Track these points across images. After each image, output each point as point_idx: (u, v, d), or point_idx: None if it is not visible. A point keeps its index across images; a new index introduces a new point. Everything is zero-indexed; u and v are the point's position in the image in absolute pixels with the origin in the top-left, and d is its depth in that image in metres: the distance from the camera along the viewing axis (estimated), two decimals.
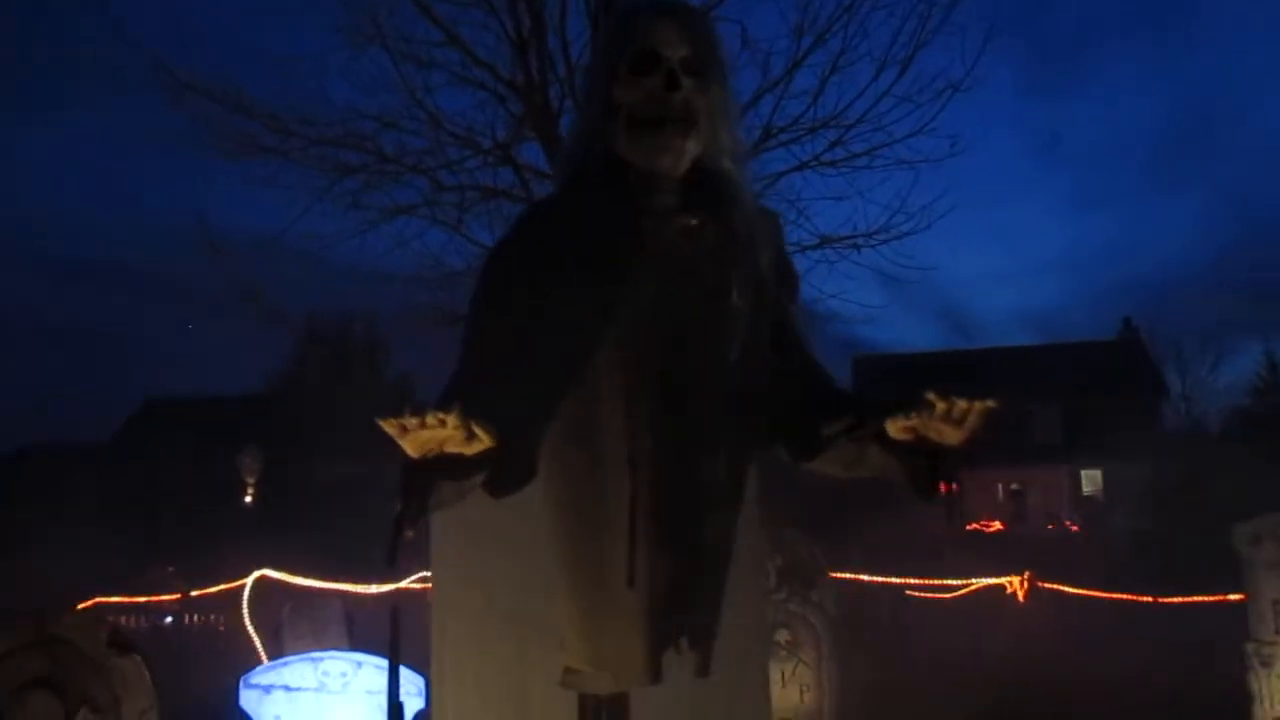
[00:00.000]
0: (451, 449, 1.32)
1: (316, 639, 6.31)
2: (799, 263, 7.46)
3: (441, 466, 1.34)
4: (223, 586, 8.77)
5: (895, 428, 1.45)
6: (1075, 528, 23.24)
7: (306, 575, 7.71)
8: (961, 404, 1.36)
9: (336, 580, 7.87)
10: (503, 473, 1.47)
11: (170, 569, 13.50)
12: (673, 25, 1.67)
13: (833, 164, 7.67)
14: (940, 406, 1.37)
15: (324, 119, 7.27)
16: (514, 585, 2.15)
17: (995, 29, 7.36)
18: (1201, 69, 77.44)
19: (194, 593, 10.11)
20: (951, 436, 1.42)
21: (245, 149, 7.14)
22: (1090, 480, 33.37)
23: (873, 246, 7.70)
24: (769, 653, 2.36)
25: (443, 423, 1.26)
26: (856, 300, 8.21)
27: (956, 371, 28.16)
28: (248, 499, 17.36)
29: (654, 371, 1.63)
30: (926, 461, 1.46)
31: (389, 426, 1.26)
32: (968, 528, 29.70)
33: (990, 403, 1.37)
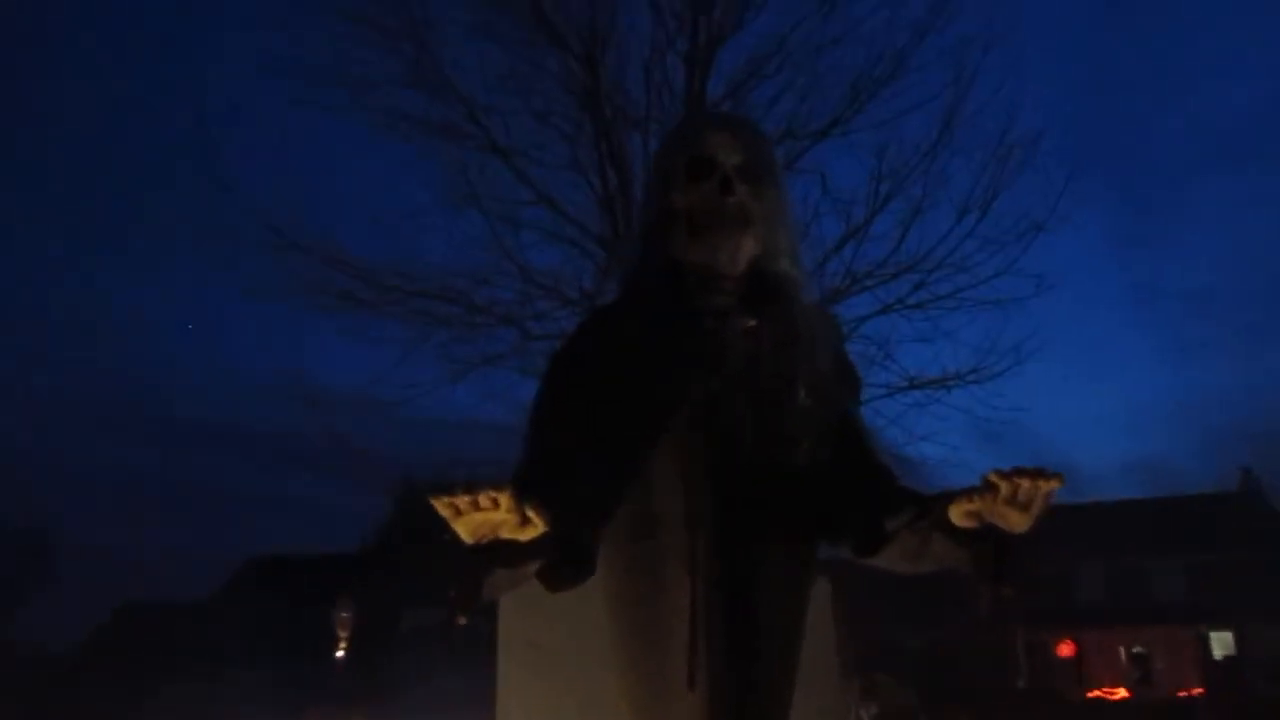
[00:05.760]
0: (505, 534, 1.32)
1: None
2: (889, 407, 7.48)
3: (495, 552, 1.34)
4: None
5: (959, 513, 1.40)
6: (1201, 692, 21.54)
7: None
8: (1025, 484, 1.32)
9: None
10: (559, 563, 1.46)
11: None
12: (727, 134, 1.75)
13: (918, 306, 7.72)
14: (1004, 488, 1.33)
15: (419, 274, 7.64)
16: (578, 706, 2.09)
17: (1078, 169, 7.45)
18: None
19: None
20: (1017, 522, 1.37)
21: (342, 303, 7.51)
22: (1221, 642, 31.06)
23: (963, 386, 7.63)
24: None
25: (495, 503, 1.26)
26: (948, 443, 8.08)
27: (1067, 526, 26.99)
28: (339, 653, 17.38)
29: (712, 469, 1.62)
30: (993, 548, 1.40)
31: (442, 507, 1.27)
32: (1089, 694, 27.84)
33: (1055, 482, 1.31)
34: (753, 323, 1.70)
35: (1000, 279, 7.54)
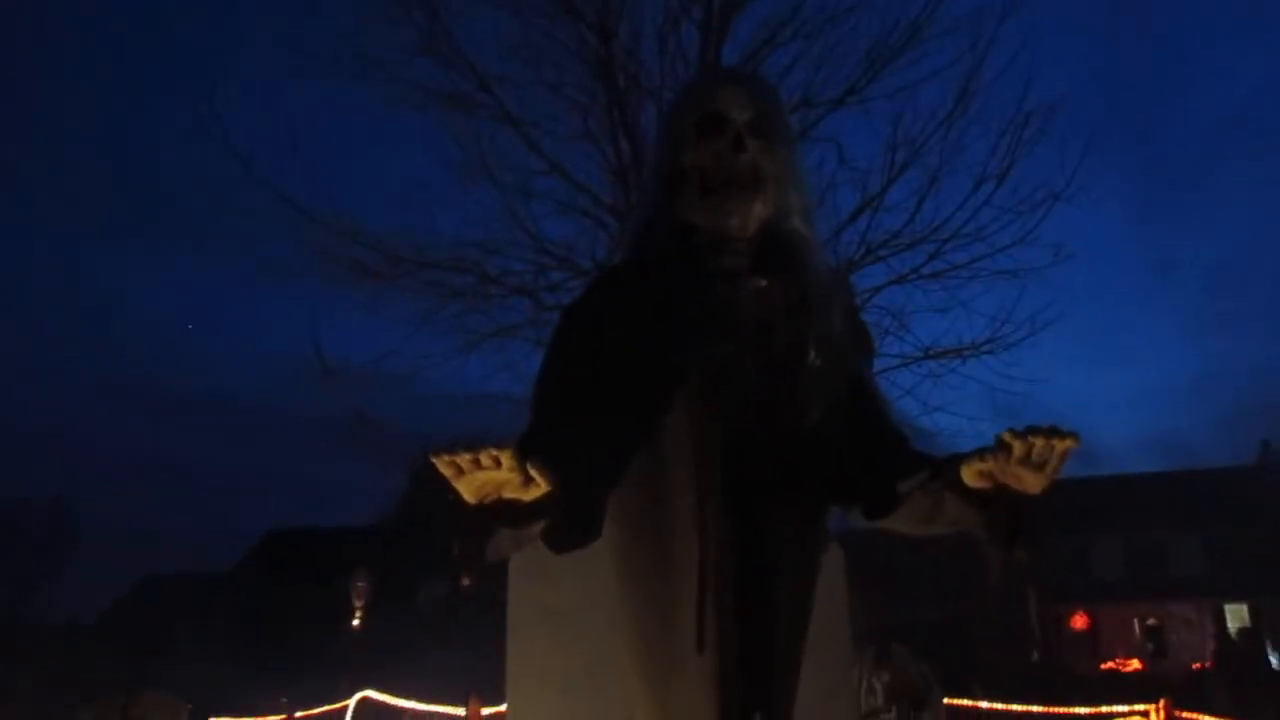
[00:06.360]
0: (509, 494, 1.30)
1: None
2: (904, 378, 7.43)
3: (498, 512, 1.32)
4: (326, 708, 8.76)
5: (971, 473, 1.37)
6: (1212, 664, 21.47)
7: (407, 696, 7.65)
8: (1040, 443, 1.28)
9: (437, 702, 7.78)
10: (564, 525, 1.43)
11: (283, 699, 13.58)
12: (738, 90, 1.70)
13: (934, 275, 7.65)
14: (1018, 447, 1.29)
15: (431, 245, 7.62)
16: (587, 668, 2.09)
17: (1096, 141, 7.34)
18: None
19: (299, 714, 10.11)
20: (1031, 483, 1.34)
21: (357, 275, 7.50)
22: (1236, 615, 30.98)
23: (978, 357, 7.57)
24: None
25: (498, 462, 1.24)
26: (963, 414, 8.03)
27: (1085, 500, 26.88)
28: (355, 622, 17.54)
29: (724, 433, 1.59)
30: (1006, 509, 1.37)
31: (443, 465, 1.24)
32: (1103, 667, 27.82)
33: (1070, 441, 1.28)
34: (764, 284, 1.66)
35: (1017, 248, 7.45)
